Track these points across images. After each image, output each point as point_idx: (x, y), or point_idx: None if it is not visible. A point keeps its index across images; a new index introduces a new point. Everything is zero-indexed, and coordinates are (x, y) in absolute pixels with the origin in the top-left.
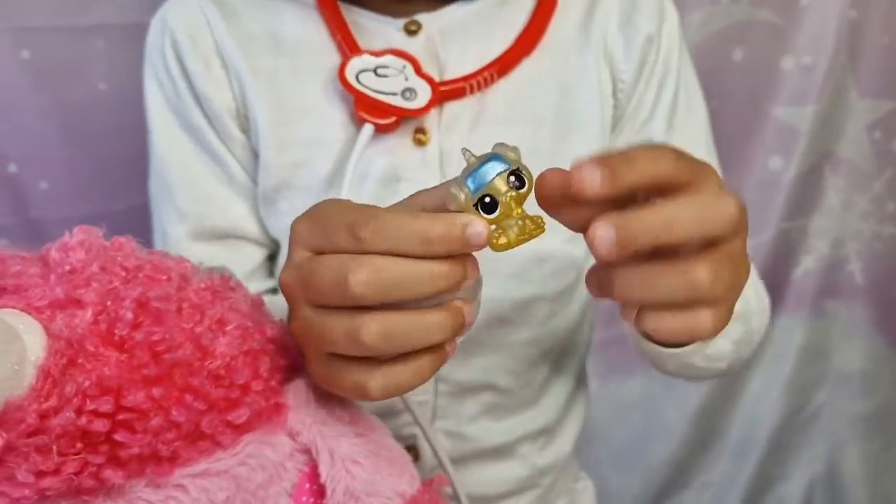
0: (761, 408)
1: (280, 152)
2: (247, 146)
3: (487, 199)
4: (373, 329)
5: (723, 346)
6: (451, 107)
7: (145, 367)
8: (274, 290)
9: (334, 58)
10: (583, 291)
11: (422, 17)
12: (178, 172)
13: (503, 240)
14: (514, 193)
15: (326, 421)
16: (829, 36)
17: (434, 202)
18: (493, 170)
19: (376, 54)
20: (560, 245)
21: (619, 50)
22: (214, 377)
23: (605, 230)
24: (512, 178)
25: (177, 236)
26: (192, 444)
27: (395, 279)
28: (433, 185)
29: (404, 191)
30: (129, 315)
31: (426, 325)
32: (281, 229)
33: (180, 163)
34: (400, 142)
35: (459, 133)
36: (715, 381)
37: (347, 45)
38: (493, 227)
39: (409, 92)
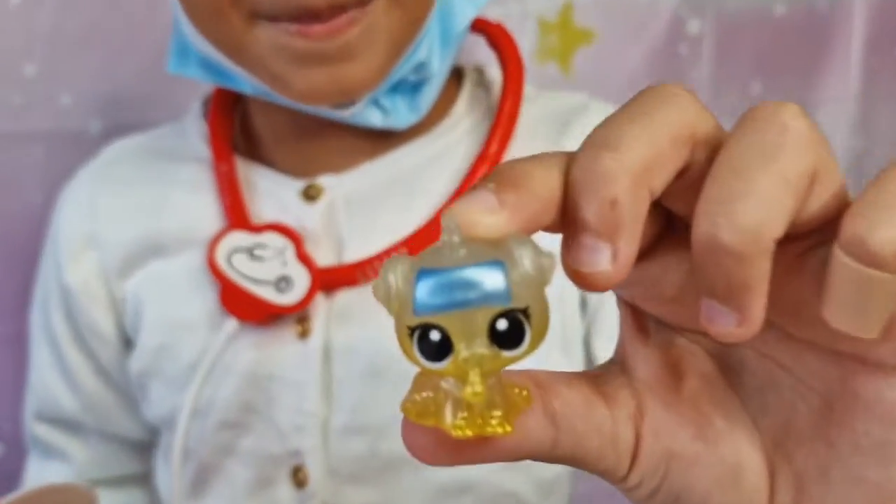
0: None
1: (151, 334)
2: (112, 341)
3: (436, 337)
4: None
5: None
6: (345, 294)
7: None
8: (140, 478)
9: (218, 227)
10: None
11: (324, 181)
12: (32, 349)
13: (426, 418)
14: (489, 353)
15: None
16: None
17: None
18: (478, 290)
19: (255, 230)
20: (488, 473)
21: None
22: None
23: (716, 318)
24: (502, 323)
25: (28, 411)
26: None
27: None
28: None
29: (277, 391)
30: None
31: None
32: (157, 417)
33: (35, 340)
34: (276, 333)
35: (351, 327)
36: None
37: (232, 214)
38: (423, 393)
39: (284, 282)
